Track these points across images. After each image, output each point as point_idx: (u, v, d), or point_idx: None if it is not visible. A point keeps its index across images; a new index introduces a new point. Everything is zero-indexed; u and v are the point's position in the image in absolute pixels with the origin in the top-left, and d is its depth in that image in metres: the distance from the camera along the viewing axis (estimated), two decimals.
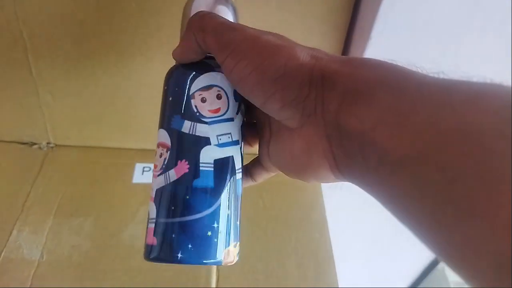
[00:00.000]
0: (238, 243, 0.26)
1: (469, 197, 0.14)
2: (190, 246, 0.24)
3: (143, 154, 0.53)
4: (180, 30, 0.29)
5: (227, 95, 0.26)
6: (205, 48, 0.24)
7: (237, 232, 0.26)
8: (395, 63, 0.19)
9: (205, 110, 0.25)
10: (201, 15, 0.24)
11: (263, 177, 0.30)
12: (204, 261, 0.24)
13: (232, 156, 0.26)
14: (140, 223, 0.47)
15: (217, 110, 0.25)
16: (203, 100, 0.25)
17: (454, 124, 0.15)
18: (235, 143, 0.26)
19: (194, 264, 0.24)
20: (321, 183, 0.55)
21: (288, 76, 0.20)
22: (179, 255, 0.24)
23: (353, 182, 0.21)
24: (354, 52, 0.45)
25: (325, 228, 0.49)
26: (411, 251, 0.86)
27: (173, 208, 0.24)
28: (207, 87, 0.25)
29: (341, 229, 0.71)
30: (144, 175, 0.52)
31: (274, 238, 0.48)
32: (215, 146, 0.25)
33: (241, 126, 0.26)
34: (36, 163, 0.52)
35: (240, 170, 0.26)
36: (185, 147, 0.25)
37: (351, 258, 0.79)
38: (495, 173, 0.13)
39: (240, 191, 0.27)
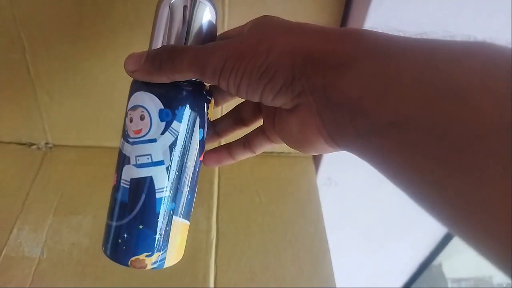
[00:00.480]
0: (158, 253, 0.29)
1: (457, 153, 0.14)
2: (107, 246, 0.29)
3: None
4: (151, 30, 0.28)
5: (150, 116, 0.26)
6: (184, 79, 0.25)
7: (154, 244, 0.28)
8: (376, 30, 0.20)
9: (130, 130, 0.27)
10: (169, 52, 0.25)
11: (264, 148, 0.32)
12: (115, 261, 0.29)
13: (151, 176, 0.27)
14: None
15: (139, 131, 0.27)
16: (131, 120, 0.27)
17: (439, 84, 0.15)
18: (157, 163, 0.27)
19: (112, 260, 0.29)
20: (316, 179, 0.56)
21: (270, 69, 0.22)
22: (105, 251, 0.30)
23: (348, 151, 0.22)
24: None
25: (320, 223, 0.50)
26: (407, 247, 0.87)
27: (108, 210, 0.30)
28: (134, 107, 0.27)
29: (336, 224, 0.72)
30: None
31: (270, 233, 0.49)
32: (133, 166, 0.27)
33: (173, 145, 0.27)
34: (35, 163, 0.53)
35: (162, 189, 0.27)
36: (118, 161, 0.29)
37: (347, 253, 0.80)
38: (482, 128, 0.13)
39: (160, 208, 0.28)
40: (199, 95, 0.27)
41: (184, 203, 0.29)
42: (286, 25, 0.23)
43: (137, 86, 0.27)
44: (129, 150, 0.27)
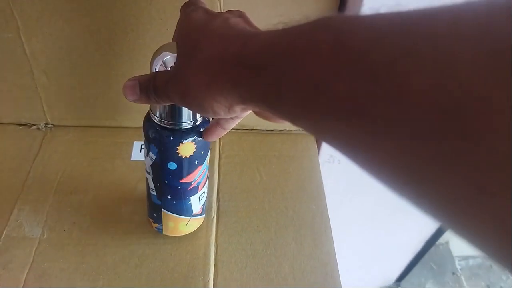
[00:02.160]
0: (156, 224, 0.44)
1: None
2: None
3: (141, 132, 0.54)
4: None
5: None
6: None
7: (154, 218, 0.43)
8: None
9: None
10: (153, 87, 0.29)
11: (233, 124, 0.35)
12: None
13: (147, 179, 0.40)
14: (138, 200, 0.47)
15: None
16: None
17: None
18: (148, 173, 0.39)
19: None
20: (318, 156, 0.55)
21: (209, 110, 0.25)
22: None
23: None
24: None
25: (322, 200, 0.50)
26: (411, 225, 0.87)
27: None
28: None
29: (340, 201, 0.71)
30: (142, 152, 0.52)
31: (271, 210, 0.48)
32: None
33: (152, 165, 0.38)
34: (35, 144, 0.53)
35: (153, 190, 0.40)
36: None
37: (351, 231, 0.80)
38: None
39: (154, 200, 0.41)
40: (166, 138, 0.35)
41: (168, 203, 0.40)
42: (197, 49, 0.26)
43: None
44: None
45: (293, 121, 0.20)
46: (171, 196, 0.40)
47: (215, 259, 0.44)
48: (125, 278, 0.41)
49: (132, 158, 0.52)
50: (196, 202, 0.41)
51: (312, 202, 0.49)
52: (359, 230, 0.83)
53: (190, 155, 0.36)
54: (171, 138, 0.35)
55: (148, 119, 0.36)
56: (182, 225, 0.43)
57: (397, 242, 0.92)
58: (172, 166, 0.37)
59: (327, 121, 0.17)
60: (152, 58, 0.31)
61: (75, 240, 0.44)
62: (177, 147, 0.35)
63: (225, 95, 0.23)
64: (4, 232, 0.44)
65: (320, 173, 0.53)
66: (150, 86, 0.28)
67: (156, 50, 0.31)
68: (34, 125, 0.55)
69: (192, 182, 0.39)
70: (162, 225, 0.43)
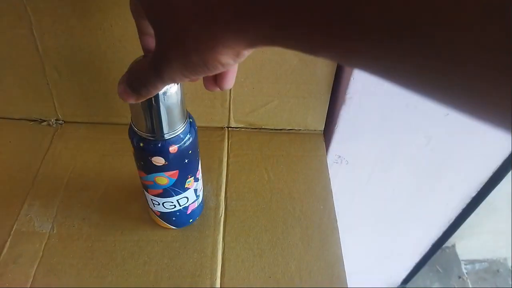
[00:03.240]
0: None
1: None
2: None
3: None
4: None
5: None
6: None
7: None
8: None
9: None
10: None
11: None
12: None
13: None
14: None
15: None
16: None
17: None
18: None
19: None
20: (326, 157, 0.55)
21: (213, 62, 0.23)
22: None
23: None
24: None
25: (329, 201, 0.50)
26: (418, 227, 0.86)
27: None
28: None
29: (347, 203, 0.71)
30: None
31: (279, 210, 0.48)
32: None
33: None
34: (46, 140, 0.53)
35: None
36: None
37: (358, 232, 0.80)
38: None
39: None
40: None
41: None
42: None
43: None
44: None
45: (315, 52, 0.18)
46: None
47: (222, 258, 0.44)
48: (133, 274, 0.42)
49: None
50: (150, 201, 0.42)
51: (320, 203, 0.49)
52: (366, 232, 0.82)
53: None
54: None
55: (132, 131, 0.36)
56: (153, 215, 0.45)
57: (403, 244, 0.91)
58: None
59: (362, 45, 0.15)
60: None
61: (84, 236, 0.44)
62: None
63: (230, 45, 0.21)
64: (14, 227, 0.45)
65: (328, 174, 0.53)
66: (149, 74, 0.26)
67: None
68: (45, 121, 0.55)
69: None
70: None
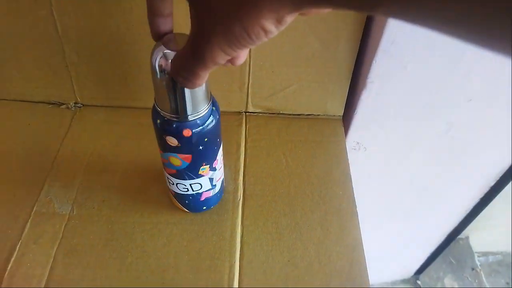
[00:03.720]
0: None
1: None
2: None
3: None
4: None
5: None
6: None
7: None
8: None
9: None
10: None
11: None
12: None
13: None
14: (165, 181, 0.48)
15: None
16: None
17: None
18: None
19: None
20: (345, 142, 0.54)
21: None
22: None
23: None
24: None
25: (348, 186, 0.49)
26: (434, 217, 0.85)
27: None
28: None
29: (363, 191, 0.70)
30: None
31: (297, 194, 0.48)
32: None
33: None
34: (65, 123, 0.53)
35: None
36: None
37: (374, 221, 0.79)
38: None
39: None
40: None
41: None
42: None
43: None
44: None
45: (372, 8, 0.18)
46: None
47: (241, 241, 0.44)
48: (153, 256, 0.42)
49: None
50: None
51: (339, 188, 0.49)
52: (381, 220, 0.82)
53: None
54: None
55: (156, 111, 0.36)
56: None
57: (418, 233, 0.91)
58: None
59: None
60: (151, 52, 0.31)
61: (104, 217, 0.44)
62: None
63: (274, 9, 0.20)
64: (34, 208, 0.45)
65: (347, 159, 0.52)
66: (188, 60, 0.26)
67: (155, 45, 0.31)
68: (63, 104, 0.55)
69: None
70: None
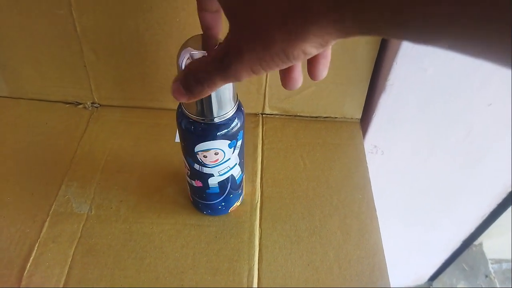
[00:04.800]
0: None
1: None
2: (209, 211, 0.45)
3: None
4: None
5: (223, 151, 0.36)
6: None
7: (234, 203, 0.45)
8: None
9: (207, 161, 0.37)
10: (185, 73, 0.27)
11: None
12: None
13: (232, 174, 0.40)
14: (183, 181, 0.47)
15: (216, 161, 0.37)
16: (205, 156, 0.37)
17: None
18: (234, 166, 0.39)
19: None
20: (363, 145, 0.54)
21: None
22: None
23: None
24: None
25: (368, 189, 0.49)
26: (448, 224, 0.84)
27: (197, 196, 0.43)
28: (206, 150, 0.36)
29: (380, 195, 0.70)
30: None
31: (316, 198, 0.47)
32: (218, 176, 0.39)
33: (239, 151, 0.38)
34: (82, 123, 0.53)
35: (240, 172, 0.41)
36: (197, 175, 0.39)
37: (390, 224, 0.78)
38: None
39: (238, 180, 0.42)
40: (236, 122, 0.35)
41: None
42: None
43: (205, 134, 0.35)
44: (209, 170, 0.38)
45: (433, 41, 0.17)
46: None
47: (260, 244, 0.43)
48: (171, 257, 0.41)
49: (176, 140, 0.52)
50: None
51: (358, 192, 0.48)
52: (396, 225, 0.81)
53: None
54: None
55: (181, 112, 0.35)
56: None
57: (433, 239, 0.89)
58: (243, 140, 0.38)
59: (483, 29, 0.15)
60: (178, 52, 0.30)
61: (122, 217, 0.44)
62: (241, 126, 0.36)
63: (321, 35, 0.20)
64: (53, 207, 0.45)
65: (366, 163, 0.51)
66: (211, 69, 0.25)
67: (182, 44, 0.30)
68: (80, 103, 0.55)
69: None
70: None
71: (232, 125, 0.35)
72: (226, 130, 0.35)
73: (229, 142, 0.36)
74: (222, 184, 0.40)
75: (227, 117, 0.34)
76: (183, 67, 0.30)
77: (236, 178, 0.41)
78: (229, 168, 0.39)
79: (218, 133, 0.34)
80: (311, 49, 0.21)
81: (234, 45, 0.23)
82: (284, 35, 0.20)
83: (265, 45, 0.21)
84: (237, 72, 0.23)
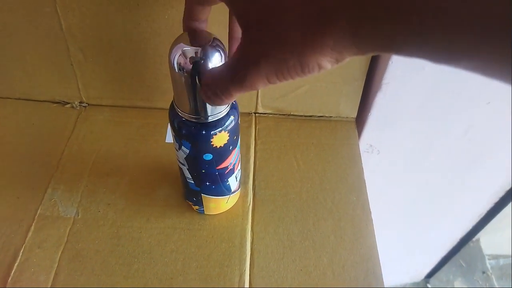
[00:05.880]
0: (197, 206, 0.43)
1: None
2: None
3: None
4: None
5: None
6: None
7: (195, 202, 0.43)
8: None
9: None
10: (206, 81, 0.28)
11: None
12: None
13: (182, 170, 0.40)
14: (173, 183, 0.46)
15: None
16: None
17: None
18: (183, 165, 0.39)
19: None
20: (359, 145, 0.52)
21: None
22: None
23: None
24: None
25: (363, 192, 0.47)
26: (445, 222, 0.83)
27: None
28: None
29: (376, 194, 0.69)
30: None
31: (309, 200, 0.46)
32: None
33: (187, 158, 0.37)
34: (70, 123, 0.52)
35: (190, 179, 0.40)
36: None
37: (386, 223, 0.77)
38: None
39: (192, 187, 0.41)
40: (198, 134, 0.33)
41: (207, 188, 0.40)
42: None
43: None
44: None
45: (455, 61, 0.17)
46: (209, 182, 0.39)
47: (251, 248, 0.42)
48: (160, 262, 0.40)
49: (167, 141, 0.50)
50: (233, 181, 0.41)
51: (353, 193, 0.47)
52: (393, 224, 0.80)
53: (224, 144, 0.35)
54: (204, 132, 0.33)
55: (173, 112, 0.34)
56: (222, 203, 0.43)
57: (431, 237, 0.89)
58: (208, 157, 0.36)
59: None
60: (170, 48, 0.29)
61: (110, 221, 0.43)
62: (211, 140, 0.34)
63: (338, 49, 0.20)
64: (38, 211, 0.44)
65: (361, 163, 0.50)
66: (226, 80, 0.26)
67: (173, 42, 0.30)
68: (68, 103, 0.54)
69: (228, 166, 0.38)
70: (203, 207, 0.43)
71: (227, 123, 0.34)
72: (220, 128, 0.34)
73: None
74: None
75: (221, 116, 0.33)
76: (175, 64, 0.29)
77: (187, 180, 0.40)
78: (181, 163, 0.39)
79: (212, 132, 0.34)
80: (327, 64, 0.21)
81: (250, 57, 0.23)
82: (302, 47, 0.21)
83: (282, 57, 0.22)
84: (253, 83, 0.24)
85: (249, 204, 0.45)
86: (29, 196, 0.45)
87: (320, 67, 0.21)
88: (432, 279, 1.10)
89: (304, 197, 0.47)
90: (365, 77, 0.50)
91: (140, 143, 0.50)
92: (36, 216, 0.43)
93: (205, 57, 0.29)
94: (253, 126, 0.53)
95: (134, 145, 0.50)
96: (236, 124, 0.35)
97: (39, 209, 0.44)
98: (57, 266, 0.40)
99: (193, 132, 0.33)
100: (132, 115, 0.53)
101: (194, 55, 0.28)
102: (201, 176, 0.38)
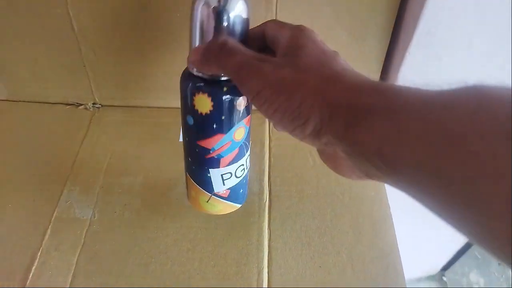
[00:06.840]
0: None
1: (465, 196, 0.16)
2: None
3: None
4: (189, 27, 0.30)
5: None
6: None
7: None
8: (386, 84, 0.22)
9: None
10: (218, 48, 0.27)
11: None
12: None
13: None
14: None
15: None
16: None
17: (439, 132, 0.17)
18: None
19: None
20: None
21: (301, 117, 0.24)
22: None
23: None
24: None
25: (381, 187, 0.47)
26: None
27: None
28: None
29: (392, 187, 0.68)
30: None
31: (326, 196, 0.46)
32: None
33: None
34: (83, 124, 0.52)
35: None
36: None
37: (402, 218, 0.76)
38: (482, 172, 0.16)
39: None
40: (184, 85, 0.32)
41: (189, 167, 0.37)
42: (322, 58, 0.26)
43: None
44: None
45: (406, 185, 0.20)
46: (191, 159, 0.36)
47: (269, 246, 0.42)
48: (177, 262, 0.40)
49: (181, 139, 0.50)
50: (217, 179, 0.36)
51: (370, 189, 0.46)
52: (410, 219, 0.79)
53: (206, 113, 0.32)
54: (189, 85, 0.31)
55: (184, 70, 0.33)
56: (202, 200, 0.38)
57: (445, 231, 0.87)
58: (190, 120, 0.33)
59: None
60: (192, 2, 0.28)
61: (126, 222, 0.43)
62: (193, 97, 0.31)
63: (329, 142, 0.24)
64: (55, 214, 0.44)
65: None
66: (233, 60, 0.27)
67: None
68: (81, 104, 0.54)
69: (210, 150, 0.34)
70: (187, 191, 0.39)
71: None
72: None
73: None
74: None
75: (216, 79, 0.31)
76: (198, 15, 0.28)
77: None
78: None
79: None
80: (319, 146, 0.26)
81: (266, 64, 0.25)
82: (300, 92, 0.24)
83: (289, 94, 0.24)
84: (251, 88, 0.25)
85: (265, 201, 0.45)
86: (45, 199, 0.45)
87: (309, 143, 0.26)
88: (447, 272, 1.08)
89: (321, 193, 0.46)
90: (380, 70, 0.49)
91: (154, 143, 0.50)
92: (53, 219, 0.43)
93: (227, 6, 0.28)
94: (267, 123, 0.53)
95: (148, 145, 0.50)
96: (230, 105, 0.32)
97: (55, 211, 0.44)
98: (75, 268, 0.40)
99: (182, 79, 0.32)
100: (145, 115, 0.53)
101: (217, 4, 0.28)
102: (185, 145, 0.36)
